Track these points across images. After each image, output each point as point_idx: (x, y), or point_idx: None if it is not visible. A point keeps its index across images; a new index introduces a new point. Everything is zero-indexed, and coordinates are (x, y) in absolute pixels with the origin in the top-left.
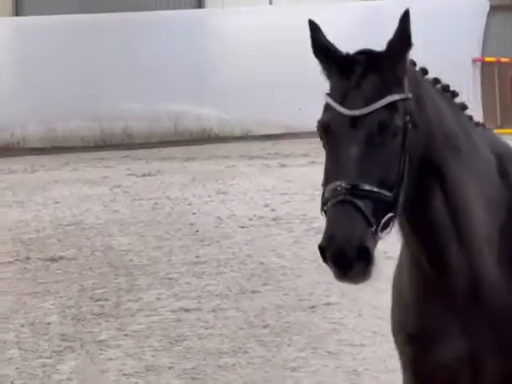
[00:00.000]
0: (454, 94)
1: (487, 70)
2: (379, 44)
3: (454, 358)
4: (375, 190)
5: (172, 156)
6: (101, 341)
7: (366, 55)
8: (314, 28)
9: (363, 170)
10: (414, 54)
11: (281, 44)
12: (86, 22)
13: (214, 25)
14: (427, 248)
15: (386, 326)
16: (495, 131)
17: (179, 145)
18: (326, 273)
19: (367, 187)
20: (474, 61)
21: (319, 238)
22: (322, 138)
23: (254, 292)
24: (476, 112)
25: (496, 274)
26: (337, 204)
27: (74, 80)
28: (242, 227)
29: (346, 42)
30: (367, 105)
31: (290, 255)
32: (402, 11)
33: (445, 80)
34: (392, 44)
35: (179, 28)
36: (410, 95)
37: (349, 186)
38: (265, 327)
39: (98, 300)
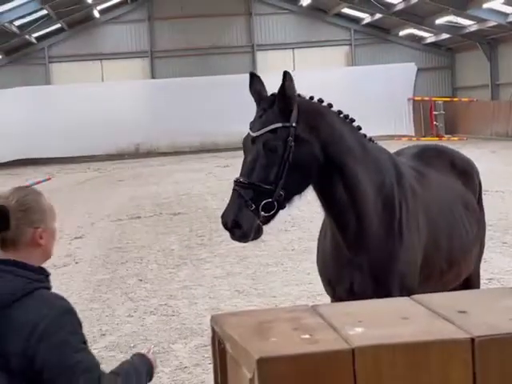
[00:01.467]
0: (352, 120)
1: (416, 104)
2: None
3: (346, 291)
4: (256, 183)
5: (239, 156)
6: (201, 259)
7: (271, 97)
8: (252, 76)
9: (251, 171)
10: (377, 96)
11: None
12: (189, 81)
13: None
14: (335, 218)
15: None
16: (421, 138)
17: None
18: None
19: (252, 181)
20: (409, 99)
21: None
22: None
23: (286, 230)
24: (410, 127)
25: (378, 235)
26: (232, 191)
27: (185, 115)
28: None
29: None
30: (259, 129)
31: (306, 209)
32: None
33: (394, 110)
34: (279, 93)
35: (242, 84)
36: (294, 124)
37: (240, 180)
38: (292, 250)
39: (200, 236)
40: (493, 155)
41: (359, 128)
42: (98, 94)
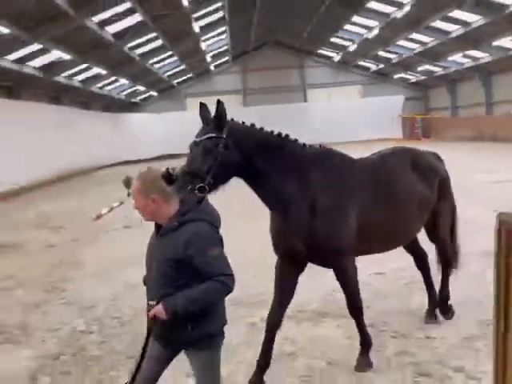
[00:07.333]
0: (280, 134)
1: (404, 120)
2: None
3: (286, 249)
4: (194, 171)
5: None
6: None
7: (211, 119)
8: (201, 105)
9: (193, 163)
10: (383, 114)
11: None
12: None
13: None
14: (266, 203)
15: None
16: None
17: None
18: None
19: (190, 170)
20: (399, 116)
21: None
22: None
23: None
24: (399, 133)
25: (298, 208)
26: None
27: None
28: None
29: None
30: (200, 137)
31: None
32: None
33: (392, 123)
34: (214, 116)
35: None
36: (224, 135)
37: (185, 169)
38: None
39: None
40: (452, 150)
41: (287, 136)
42: None
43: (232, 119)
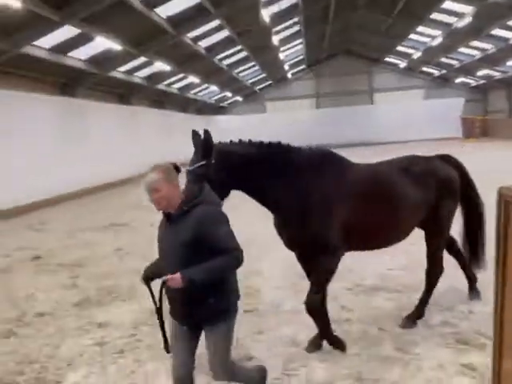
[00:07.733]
0: (270, 143)
1: (464, 120)
2: None
3: (285, 241)
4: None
5: None
6: None
7: (200, 147)
8: (194, 133)
9: (189, 185)
10: (447, 115)
11: None
12: None
13: None
14: (264, 205)
15: None
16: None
17: None
18: None
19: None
20: (460, 117)
21: None
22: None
23: None
24: (460, 132)
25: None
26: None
27: None
28: None
29: None
30: (191, 166)
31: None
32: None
33: (453, 123)
34: (202, 144)
35: None
36: (212, 161)
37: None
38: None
39: None
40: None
41: (270, 144)
42: None
43: (219, 142)
